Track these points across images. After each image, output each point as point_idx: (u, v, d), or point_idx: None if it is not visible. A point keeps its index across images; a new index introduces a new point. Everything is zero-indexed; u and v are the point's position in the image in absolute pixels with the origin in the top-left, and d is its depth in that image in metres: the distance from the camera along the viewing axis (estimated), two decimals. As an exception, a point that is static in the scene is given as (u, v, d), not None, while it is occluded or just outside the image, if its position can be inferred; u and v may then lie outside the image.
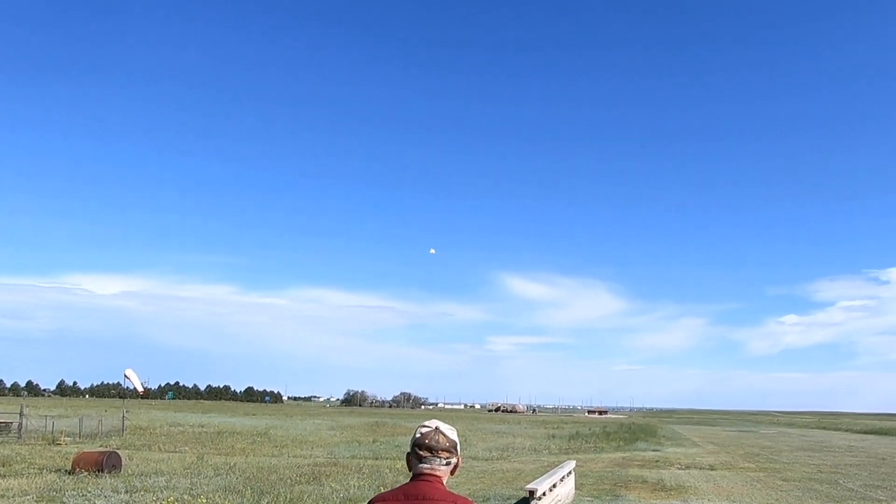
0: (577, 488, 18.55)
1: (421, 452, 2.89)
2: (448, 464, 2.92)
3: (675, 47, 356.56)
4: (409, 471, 2.94)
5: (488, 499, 16.79)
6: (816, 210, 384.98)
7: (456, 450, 2.96)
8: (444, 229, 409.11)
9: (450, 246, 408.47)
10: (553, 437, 48.45)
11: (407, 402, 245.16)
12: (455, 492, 2.92)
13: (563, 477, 15.87)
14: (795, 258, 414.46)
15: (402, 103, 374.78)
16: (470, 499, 2.86)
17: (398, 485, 2.96)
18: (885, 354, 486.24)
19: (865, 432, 72.37)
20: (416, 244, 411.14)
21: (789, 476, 24.24)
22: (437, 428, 2.94)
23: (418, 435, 2.93)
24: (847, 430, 77.95)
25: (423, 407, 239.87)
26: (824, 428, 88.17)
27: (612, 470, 25.05)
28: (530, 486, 12.32)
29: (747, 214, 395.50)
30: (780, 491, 19.91)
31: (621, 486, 20.11)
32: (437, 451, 2.88)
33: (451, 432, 2.96)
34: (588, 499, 17.50)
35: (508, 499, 16.55)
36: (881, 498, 18.58)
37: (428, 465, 2.88)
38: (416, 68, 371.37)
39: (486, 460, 28.48)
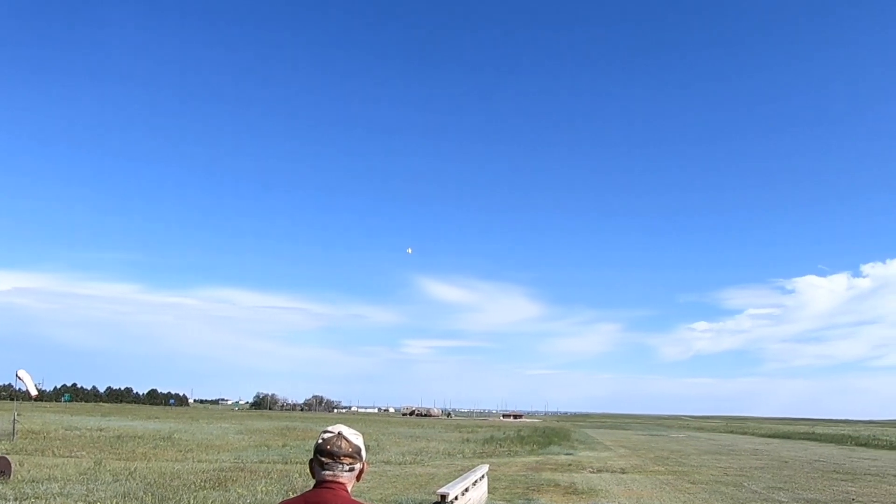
0: (489, 492, 18.57)
1: (323, 459, 2.75)
2: (351, 470, 2.78)
3: (590, 55, 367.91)
4: (313, 477, 2.79)
5: (400, 503, 16.57)
6: (725, 220, 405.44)
7: (360, 455, 2.82)
8: (358, 230, 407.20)
9: (364, 248, 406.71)
10: (467, 440, 48.65)
11: (319, 406, 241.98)
12: (362, 499, 2.78)
13: (476, 481, 15.81)
14: (706, 266, 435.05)
15: (313, 102, 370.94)
16: None
17: (307, 490, 2.81)
18: (789, 361, 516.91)
19: (770, 436, 76.23)
20: (330, 245, 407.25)
21: (697, 479, 25.08)
22: (339, 433, 2.80)
23: (320, 440, 2.79)
24: (753, 434, 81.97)
25: (335, 410, 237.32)
26: (731, 432, 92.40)
27: (525, 474, 25.26)
28: (441, 490, 12.16)
29: (660, 222, 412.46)
30: (688, 493, 20.56)
31: (534, 489, 20.27)
32: (339, 458, 2.74)
33: (354, 437, 2.82)
34: (500, 503, 17.54)
35: (420, 503, 16.39)
36: (783, 499, 19.44)
37: (330, 472, 2.74)
38: (321, 67, 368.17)
39: (400, 464, 28.22)
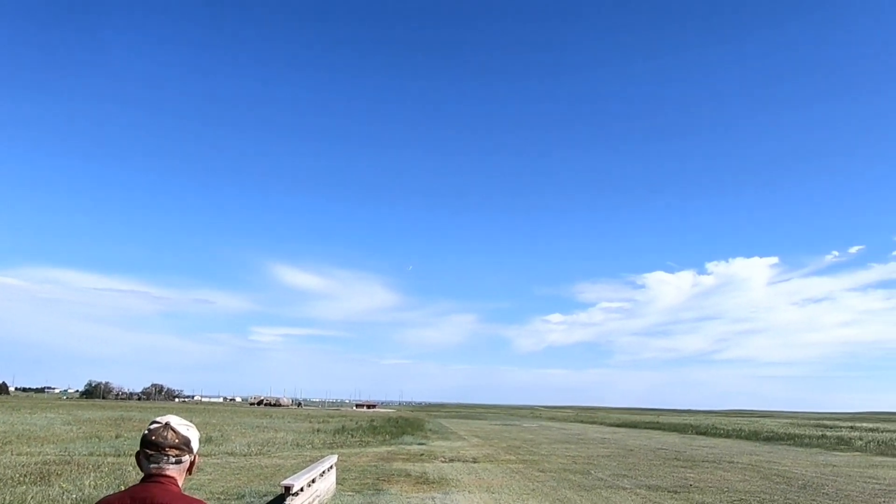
0: (338, 483, 18.29)
1: (148, 451, 2.54)
2: (179, 462, 2.57)
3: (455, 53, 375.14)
4: (141, 471, 2.56)
5: (243, 496, 15.87)
6: (581, 216, 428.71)
7: (189, 447, 2.61)
8: (206, 212, 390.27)
9: (211, 231, 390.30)
10: (318, 431, 47.86)
11: (159, 395, 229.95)
12: (202, 492, 2.56)
13: (324, 472, 15.50)
14: (562, 260, 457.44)
15: (162, 79, 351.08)
16: (207, 501, 2.49)
17: (136, 484, 2.56)
18: (637, 353, 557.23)
19: (617, 425, 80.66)
20: (174, 226, 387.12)
21: (546, 467, 25.88)
22: (167, 423, 2.60)
23: (146, 431, 2.59)
24: (601, 424, 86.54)
25: (177, 400, 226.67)
26: (582, 421, 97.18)
27: (376, 464, 25.15)
28: (286, 481, 11.75)
29: (519, 216, 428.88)
30: (538, 482, 21.13)
31: (384, 480, 20.19)
32: (164, 449, 2.54)
33: (184, 428, 2.62)
34: (349, 494, 17.28)
35: (265, 495, 15.80)
36: (626, 486, 20.48)
37: (156, 465, 2.53)
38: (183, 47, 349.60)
39: (245, 456, 27.21)
